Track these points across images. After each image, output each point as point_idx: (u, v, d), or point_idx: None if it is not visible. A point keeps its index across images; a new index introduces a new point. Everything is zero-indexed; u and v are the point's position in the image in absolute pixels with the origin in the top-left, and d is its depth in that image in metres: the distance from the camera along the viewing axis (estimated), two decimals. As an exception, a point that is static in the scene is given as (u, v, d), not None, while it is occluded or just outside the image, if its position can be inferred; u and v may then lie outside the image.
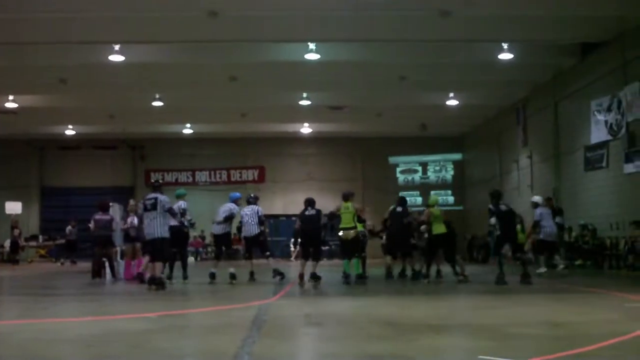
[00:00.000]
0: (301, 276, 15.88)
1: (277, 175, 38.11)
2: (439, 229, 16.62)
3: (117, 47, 20.88)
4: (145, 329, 7.93)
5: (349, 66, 23.71)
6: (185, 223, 16.53)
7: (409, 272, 17.76)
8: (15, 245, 31.21)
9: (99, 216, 17.83)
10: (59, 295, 14.76)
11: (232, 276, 16.24)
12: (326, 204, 37.45)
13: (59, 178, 38.65)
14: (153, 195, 14.49)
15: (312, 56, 21.39)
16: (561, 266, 19.39)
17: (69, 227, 30.02)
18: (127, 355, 6.24)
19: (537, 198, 20.09)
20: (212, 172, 38.20)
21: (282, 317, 9.41)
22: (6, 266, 28.70)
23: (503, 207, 16.26)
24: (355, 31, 19.78)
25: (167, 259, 15.00)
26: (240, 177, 38.12)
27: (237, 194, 18.12)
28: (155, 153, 38.34)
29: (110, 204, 18.93)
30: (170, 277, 16.10)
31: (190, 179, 38.25)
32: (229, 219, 16.97)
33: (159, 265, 14.19)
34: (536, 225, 18.96)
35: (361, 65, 23.63)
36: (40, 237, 36.02)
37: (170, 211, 14.57)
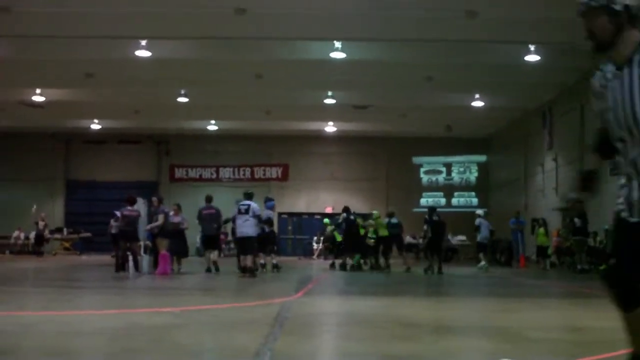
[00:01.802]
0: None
1: (300, 173, 38.15)
2: (383, 232, 22.50)
3: (143, 42, 21.00)
4: (167, 323, 7.95)
5: (375, 65, 23.66)
6: (266, 229, 18.79)
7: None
8: (40, 238, 31.50)
9: (127, 211, 17.95)
10: (82, 287, 14.89)
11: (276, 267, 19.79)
12: (349, 203, 37.58)
13: (84, 172, 38.94)
14: (247, 202, 17.57)
15: (338, 55, 21.38)
16: (482, 263, 23.53)
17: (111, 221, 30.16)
18: (148, 349, 6.26)
19: (479, 211, 25.76)
20: (236, 169, 38.32)
21: (304, 314, 9.40)
22: (31, 258, 28.95)
23: (435, 218, 21.80)
24: (382, 30, 19.76)
25: (255, 252, 17.74)
26: (264, 174, 38.19)
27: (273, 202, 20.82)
28: (180, 149, 38.50)
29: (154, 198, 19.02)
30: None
31: (214, 176, 38.40)
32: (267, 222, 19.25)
33: (250, 257, 17.12)
34: (476, 229, 24.35)
35: (387, 64, 23.58)
36: (65, 230, 36.31)
37: (258, 217, 17.67)
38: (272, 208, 20.45)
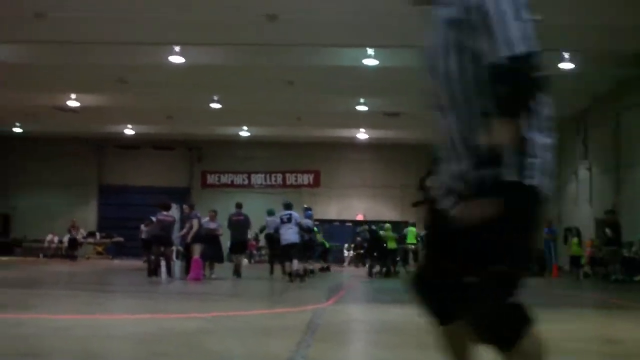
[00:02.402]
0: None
1: (332, 180, 38.11)
2: (392, 245, 24.09)
3: (177, 48, 21.11)
4: (198, 329, 7.96)
5: (407, 72, 23.45)
6: (306, 237, 19.82)
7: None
8: (73, 242, 31.79)
9: (162, 216, 18.07)
10: (115, 292, 15.00)
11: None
12: (380, 210, 37.65)
13: (117, 177, 39.28)
14: (288, 212, 18.87)
15: (370, 61, 21.33)
16: None
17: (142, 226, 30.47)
18: (179, 354, 6.26)
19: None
20: (268, 175, 38.38)
21: (336, 322, 9.36)
22: (64, 262, 29.23)
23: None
24: (414, 37, 19.58)
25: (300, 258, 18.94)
26: (296, 180, 38.22)
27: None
28: (212, 155, 38.69)
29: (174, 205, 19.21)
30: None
31: (246, 182, 38.51)
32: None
33: (295, 262, 18.18)
34: None
35: (419, 71, 23.42)
36: (98, 235, 36.61)
37: (300, 225, 19.03)
38: (310, 217, 21.47)
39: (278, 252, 20.14)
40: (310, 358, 6.08)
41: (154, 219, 18.53)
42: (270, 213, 21.12)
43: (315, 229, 25.81)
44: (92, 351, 6.34)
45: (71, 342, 6.85)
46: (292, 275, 18.16)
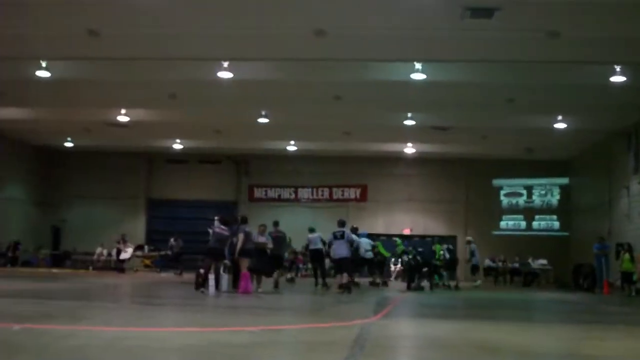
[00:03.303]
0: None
1: (379, 194, 37.98)
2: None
3: (226, 64, 21.28)
4: (247, 342, 7.99)
5: (455, 87, 23.43)
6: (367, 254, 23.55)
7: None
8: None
9: (219, 229, 18.21)
10: (164, 305, 15.11)
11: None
12: (427, 225, 37.43)
13: (165, 190, 39.67)
14: (341, 229, 20.45)
15: (418, 76, 21.26)
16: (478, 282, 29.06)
17: (171, 240, 30.81)
18: (230, 368, 6.29)
19: (469, 237, 29.20)
20: (315, 190, 38.38)
21: (383, 337, 9.32)
22: (113, 274, 29.57)
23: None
24: (462, 52, 19.59)
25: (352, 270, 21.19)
26: (342, 195, 38.16)
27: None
28: (259, 169, 38.85)
29: (216, 217, 19.27)
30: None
31: (293, 196, 38.58)
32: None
33: (345, 275, 19.95)
34: (472, 254, 27.83)
35: (467, 86, 23.32)
36: (146, 248, 36.98)
37: (350, 241, 20.77)
38: (366, 236, 25.20)
39: (317, 265, 23.06)
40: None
41: (210, 231, 18.63)
42: (312, 230, 22.90)
43: (379, 243, 26.32)
44: (143, 364, 6.40)
45: (122, 354, 6.93)
46: (342, 287, 19.49)
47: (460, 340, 9.25)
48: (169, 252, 31.37)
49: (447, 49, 19.54)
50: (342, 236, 20.41)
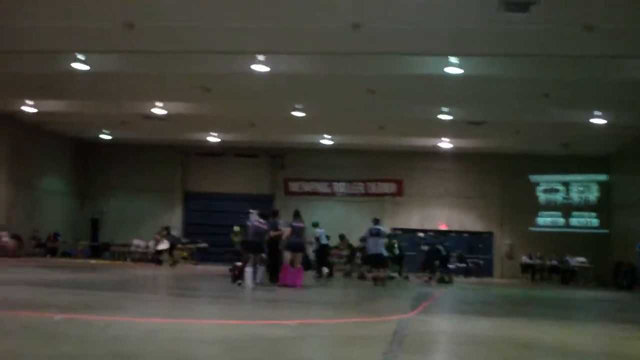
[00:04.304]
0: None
1: (414, 189, 37.75)
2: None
3: (261, 57, 21.31)
4: (284, 336, 8.00)
5: (491, 81, 23.22)
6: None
7: None
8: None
9: (257, 223, 18.26)
10: (201, 297, 15.22)
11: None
12: (462, 220, 37.21)
13: (201, 183, 39.86)
14: (377, 226, 21.72)
15: (453, 70, 21.11)
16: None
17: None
18: (268, 361, 6.30)
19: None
20: (350, 184, 38.32)
21: (421, 332, 9.29)
22: (150, 266, 29.82)
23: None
24: (497, 45, 19.37)
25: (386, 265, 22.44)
26: (378, 189, 38.02)
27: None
28: (294, 162, 38.84)
29: (251, 211, 19.29)
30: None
31: (328, 190, 38.53)
32: None
33: (382, 270, 21.45)
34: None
35: (503, 80, 23.08)
36: (183, 240, 37.19)
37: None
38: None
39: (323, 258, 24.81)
40: (399, 368, 6.05)
41: (249, 224, 18.65)
42: (315, 225, 24.82)
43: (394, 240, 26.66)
44: (180, 355, 6.44)
45: (160, 345, 6.98)
46: (376, 280, 21.15)
47: (497, 337, 9.19)
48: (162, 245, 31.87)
49: (483, 43, 19.34)
50: (378, 233, 21.65)
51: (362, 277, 25.03)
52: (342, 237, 28.91)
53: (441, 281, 25.46)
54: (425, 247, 27.77)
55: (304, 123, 30.66)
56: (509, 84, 23.61)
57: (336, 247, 29.26)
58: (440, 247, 26.58)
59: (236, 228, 27.19)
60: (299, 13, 18.07)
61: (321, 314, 11.71)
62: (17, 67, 23.58)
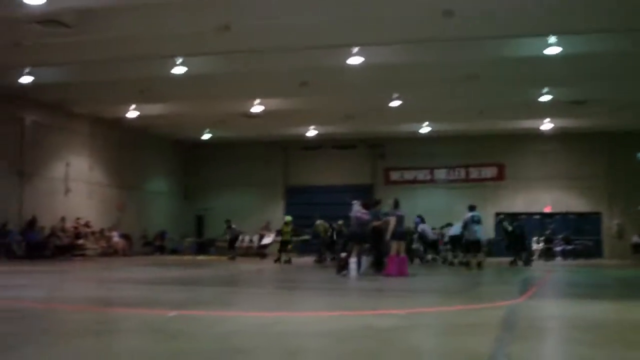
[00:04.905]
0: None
1: (517, 172, 37.05)
2: None
3: (355, 49, 21.33)
4: (394, 326, 8.00)
5: (592, 59, 22.51)
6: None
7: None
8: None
9: (360, 214, 18.34)
10: (308, 289, 15.36)
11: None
12: (568, 202, 36.27)
13: (301, 177, 40.26)
14: (477, 213, 22.71)
15: (553, 50, 20.61)
16: None
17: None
18: (381, 351, 6.32)
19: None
20: (451, 170, 37.97)
21: (533, 318, 9.14)
22: (255, 260, 30.31)
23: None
24: (596, 22, 18.80)
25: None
26: (479, 175, 37.53)
27: None
28: (394, 152, 38.73)
29: (353, 202, 19.34)
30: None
31: (429, 177, 38.30)
32: None
33: (480, 255, 22.66)
34: None
35: (604, 56, 22.34)
36: (309, 234, 37.50)
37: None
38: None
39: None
40: (513, 356, 5.97)
41: (352, 215, 18.72)
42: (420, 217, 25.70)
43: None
44: (294, 348, 6.52)
45: (273, 339, 7.10)
46: (479, 265, 22.07)
47: (612, 321, 8.96)
48: (227, 238, 32.32)
49: (582, 20, 18.81)
50: (480, 221, 22.78)
51: (451, 263, 25.46)
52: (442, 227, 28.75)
53: (512, 264, 25.66)
54: (509, 227, 27.36)
55: (402, 112, 30.56)
56: (610, 60, 22.85)
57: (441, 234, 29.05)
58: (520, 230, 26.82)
59: (287, 218, 27.91)
60: (390, 2, 17.99)
61: (429, 302, 11.66)
62: (119, 74, 24.42)
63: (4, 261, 24.63)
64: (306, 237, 31.13)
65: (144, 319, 8.68)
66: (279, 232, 29.58)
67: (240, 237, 35.82)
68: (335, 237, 26.40)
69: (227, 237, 32.32)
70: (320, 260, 27.22)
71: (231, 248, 31.94)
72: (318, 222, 28.01)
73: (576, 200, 36.53)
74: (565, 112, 30.82)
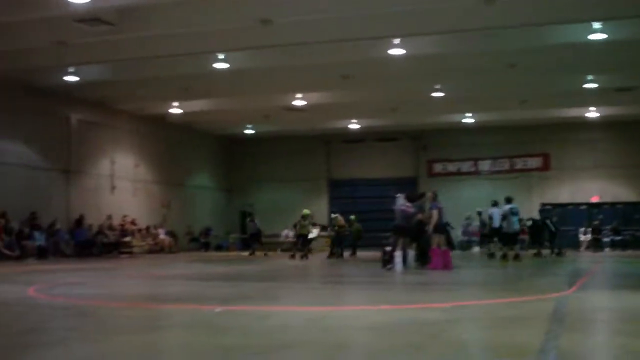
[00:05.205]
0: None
1: (562, 162, 36.61)
2: None
3: (396, 40, 21.24)
4: (440, 319, 7.97)
5: (637, 44, 22.10)
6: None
7: None
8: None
9: (404, 207, 18.24)
10: (353, 283, 15.37)
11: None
12: (615, 191, 35.68)
13: (344, 170, 40.29)
14: (515, 205, 22.74)
15: (597, 36, 20.30)
16: None
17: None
18: (427, 344, 6.28)
19: None
20: (495, 161, 37.64)
21: (582, 310, 9.03)
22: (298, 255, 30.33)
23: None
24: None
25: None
26: (524, 165, 37.15)
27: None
28: (436, 143, 38.56)
29: (397, 195, 19.24)
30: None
31: (472, 169, 38.04)
32: None
33: (517, 247, 23.23)
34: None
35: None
36: (329, 228, 37.55)
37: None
38: None
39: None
40: (563, 349, 5.90)
41: (395, 208, 18.60)
42: (494, 204, 24.05)
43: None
44: (341, 342, 6.52)
45: (320, 333, 7.09)
46: (517, 258, 22.23)
47: (664, 312, 8.81)
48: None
49: (626, 5, 18.48)
50: (517, 213, 22.76)
51: (492, 255, 24.78)
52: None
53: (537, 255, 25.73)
54: (529, 222, 27.86)
55: (444, 103, 30.43)
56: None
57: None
58: (549, 222, 26.60)
59: (305, 212, 27.30)
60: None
61: (474, 295, 11.58)
62: (162, 71, 24.63)
63: (54, 260, 25.03)
64: (315, 233, 30.14)
65: (194, 315, 8.77)
66: (328, 227, 29.54)
67: (284, 233, 35.90)
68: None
69: (248, 232, 32.18)
70: (331, 255, 26.87)
71: (253, 243, 31.09)
72: (334, 216, 27.88)
73: (624, 190, 35.97)
74: (611, 99, 30.37)
